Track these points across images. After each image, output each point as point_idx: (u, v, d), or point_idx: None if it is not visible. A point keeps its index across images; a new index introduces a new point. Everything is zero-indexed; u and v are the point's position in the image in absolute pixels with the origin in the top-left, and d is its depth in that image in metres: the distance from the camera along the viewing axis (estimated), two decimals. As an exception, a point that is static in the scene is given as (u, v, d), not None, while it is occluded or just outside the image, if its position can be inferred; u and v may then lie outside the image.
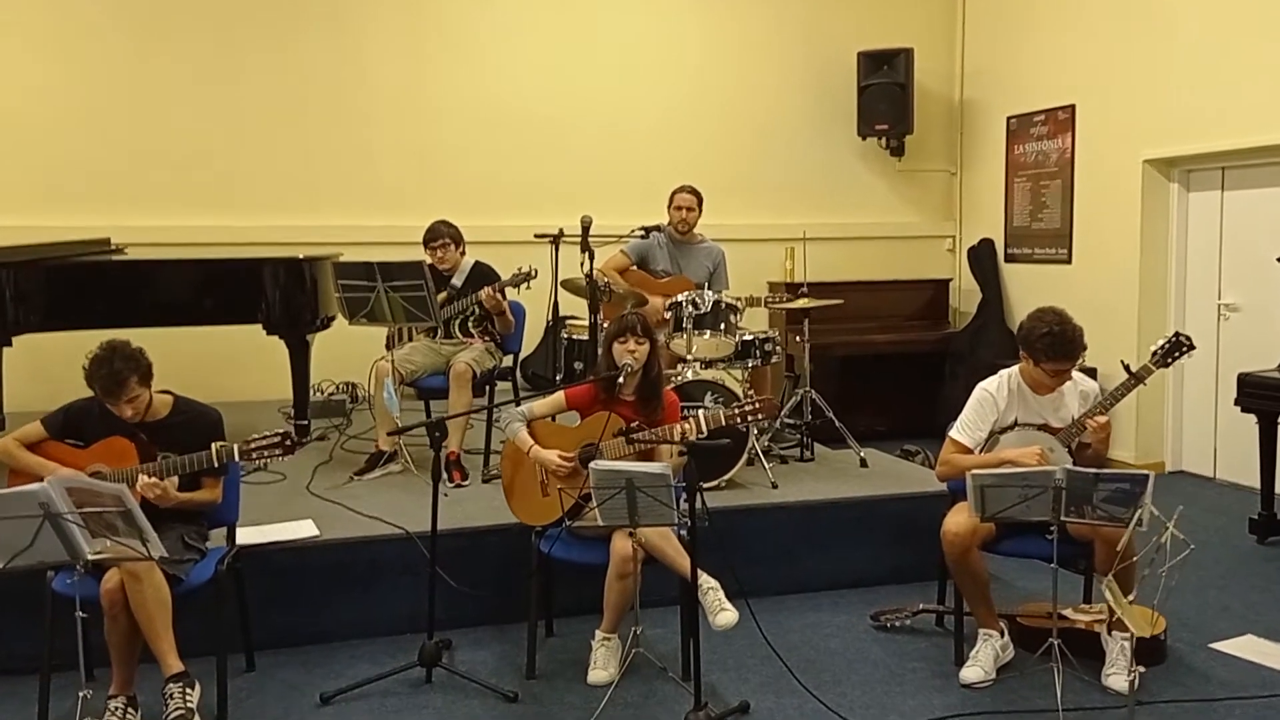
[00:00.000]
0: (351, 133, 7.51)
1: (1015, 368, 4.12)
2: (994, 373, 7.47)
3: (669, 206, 5.93)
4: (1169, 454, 7.09)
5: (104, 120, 7.09)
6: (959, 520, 3.87)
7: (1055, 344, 3.85)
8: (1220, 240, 6.75)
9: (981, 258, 8.23)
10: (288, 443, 3.63)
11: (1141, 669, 3.20)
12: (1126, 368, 3.94)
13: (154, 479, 3.62)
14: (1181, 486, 6.65)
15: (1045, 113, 7.72)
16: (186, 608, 3.79)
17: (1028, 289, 7.95)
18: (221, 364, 7.08)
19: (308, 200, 7.42)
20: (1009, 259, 8.16)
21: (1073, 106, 7.47)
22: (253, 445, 3.63)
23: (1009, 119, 8.09)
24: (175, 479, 3.71)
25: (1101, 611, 4.19)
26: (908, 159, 8.52)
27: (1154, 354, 3.96)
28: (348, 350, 6.48)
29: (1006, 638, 4.04)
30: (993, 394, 4.07)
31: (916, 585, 4.90)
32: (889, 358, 7.96)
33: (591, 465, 3.51)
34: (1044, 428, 4.03)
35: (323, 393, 7.15)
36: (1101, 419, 3.92)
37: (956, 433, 4.10)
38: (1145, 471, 3.45)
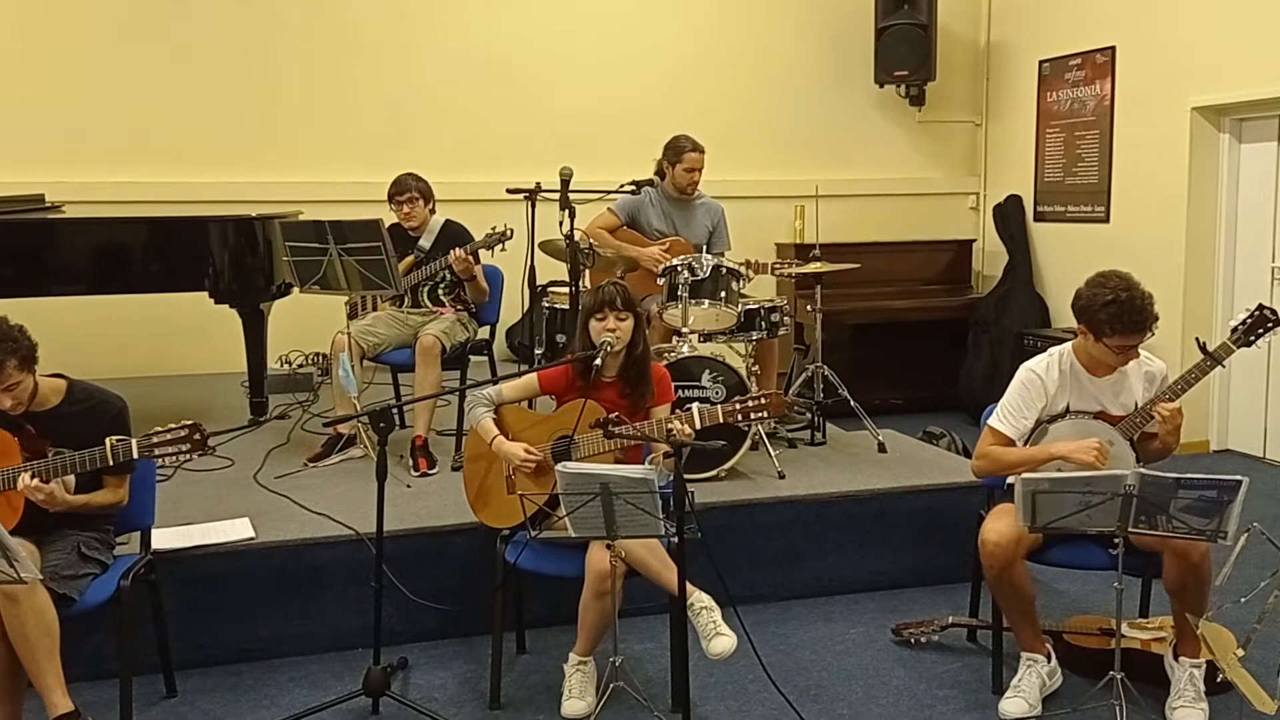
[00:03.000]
0: (316, 80, 6.86)
1: (1067, 345, 3.49)
2: (1020, 342, 7.02)
3: (672, 166, 5.24)
4: (1214, 432, 6.48)
5: (38, 65, 6.45)
6: (1000, 528, 3.26)
7: (1123, 314, 3.22)
8: (1276, 196, 6.10)
9: (1008, 216, 7.57)
10: (196, 437, 3.01)
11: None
12: (1202, 346, 3.31)
13: (37, 480, 3.01)
14: (1228, 468, 6.03)
15: (1082, 55, 7.03)
16: (95, 622, 3.24)
17: (1059, 251, 7.31)
18: (179, 333, 6.55)
19: (267, 155, 6.78)
20: (1039, 218, 7.49)
21: (1112, 49, 6.78)
22: (154, 440, 3.02)
23: (1041, 63, 7.39)
24: (70, 479, 3.12)
25: (1162, 628, 3.60)
26: (929, 109, 7.84)
27: (1234, 331, 3.33)
28: (319, 318, 5.88)
29: (1054, 662, 3.45)
30: (1040, 376, 3.44)
31: (941, 589, 4.34)
32: (905, 326, 7.35)
33: (558, 468, 2.90)
34: (1100, 415, 3.40)
35: (289, 364, 6.56)
36: (1172, 406, 3.30)
37: (997, 421, 3.48)
38: (1237, 477, 2.83)
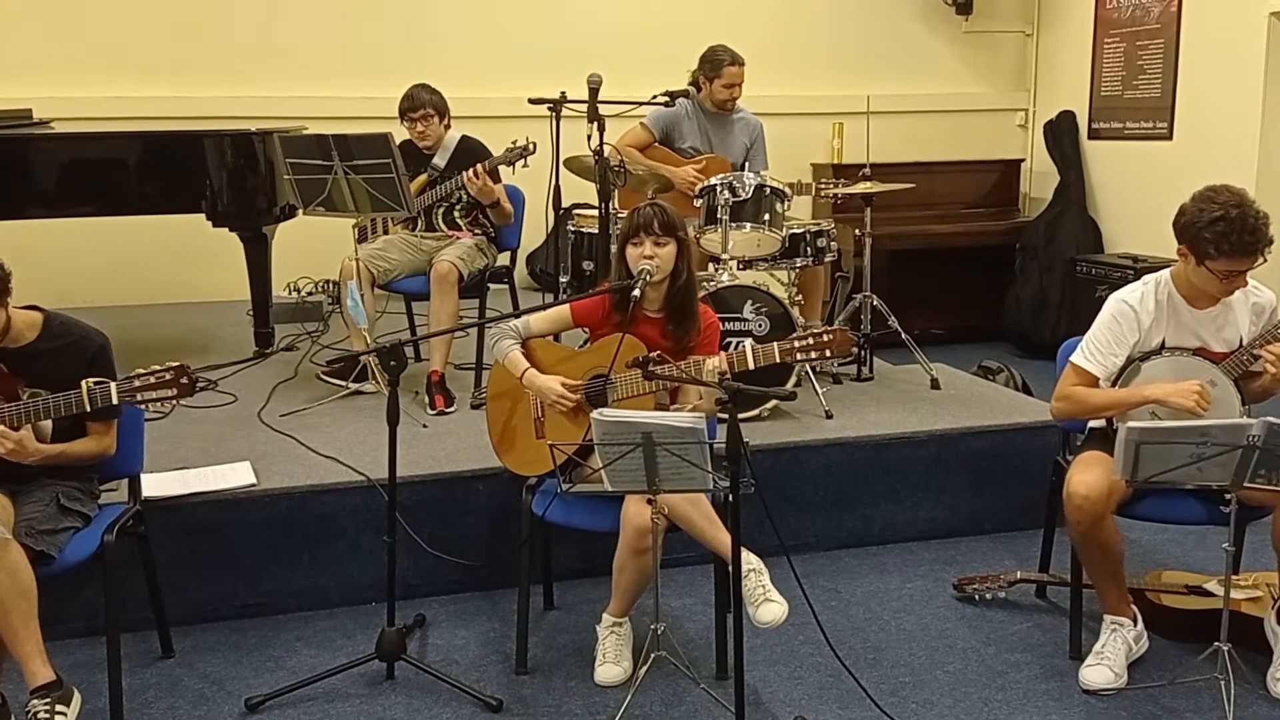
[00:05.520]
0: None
1: (1165, 272, 3.09)
2: (1071, 269, 6.59)
3: (710, 80, 4.77)
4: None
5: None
6: (1089, 480, 2.90)
7: (1231, 233, 2.82)
8: (1361, 111, 5.63)
9: (1060, 134, 7.07)
10: (183, 381, 2.67)
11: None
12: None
13: (2, 428, 2.67)
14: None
15: (1146, -44, 6.50)
16: (84, 576, 2.97)
17: (1116, 171, 6.82)
18: (183, 257, 6.21)
19: (269, 68, 6.34)
20: (1094, 135, 6.98)
21: (1181, -53, 6.26)
22: (137, 385, 2.67)
23: (1101, -35, 6.87)
24: (46, 424, 2.79)
25: (1257, 585, 3.25)
26: (976, 17, 7.30)
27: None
28: (330, 242, 5.45)
29: (1140, 625, 3.11)
30: (1134, 307, 3.05)
31: (1002, 538, 4.02)
32: (947, 251, 6.90)
33: (594, 416, 2.54)
34: (1200, 352, 3.02)
35: (298, 292, 6.20)
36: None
37: (1081, 358, 3.09)
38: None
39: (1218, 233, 2.84)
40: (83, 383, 2.68)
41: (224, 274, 5.93)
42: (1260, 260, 2.89)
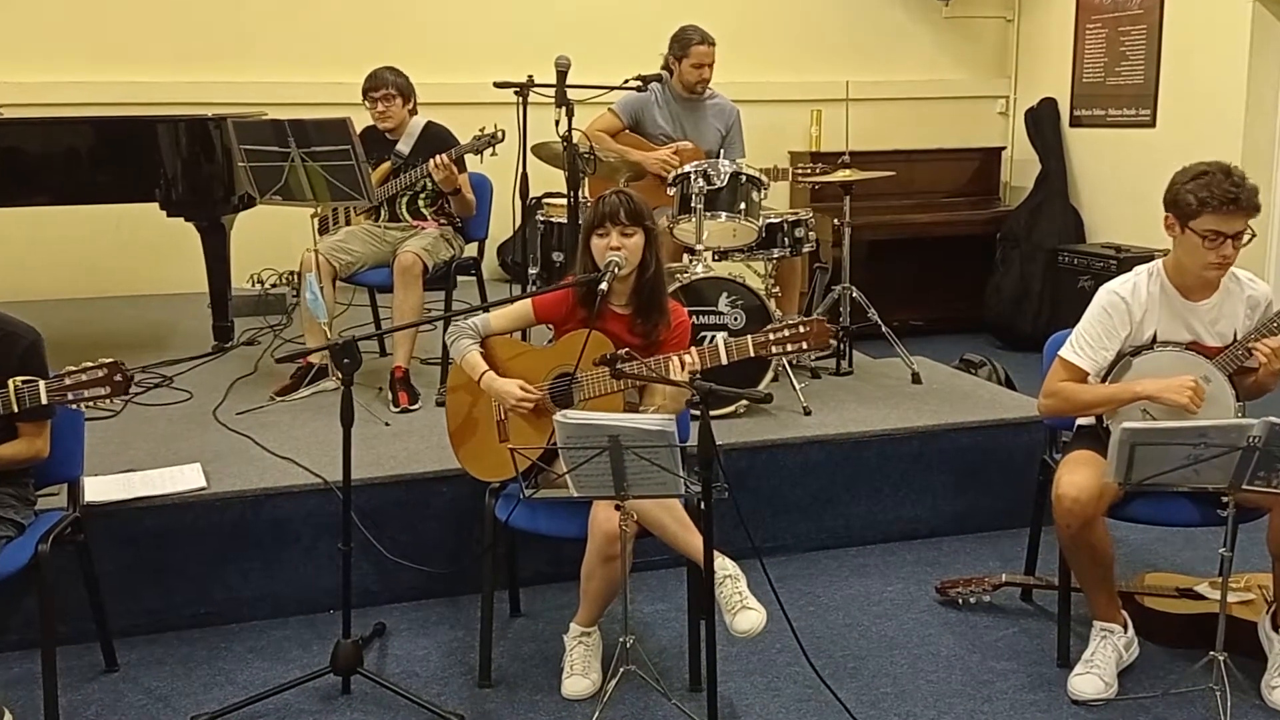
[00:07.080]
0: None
1: (1157, 262, 2.96)
2: (1053, 259, 6.49)
3: (678, 61, 4.62)
4: None
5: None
6: (1078, 481, 2.76)
7: (1214, 184, 2.69)
8: (1346, 98, 5.53)
9: (1042, 121, 6.95)
10: (117, 379, 2.49)
11: None
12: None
13: None
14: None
15: (1129, -60, 6.38)
16: (22, 586, 2.77)
17: (1098, 158, 6.71)
18: (140, 249, 6.02)
19: (229, 52, 6.16)
20: (1075, 123, 6.88)
21: (1164, -69, 6.14)
22: (67, 383, 2.50)
23: (1083, -51, 6.75)
24: (-31, 428, 2.61)
25: (1249, 588, 3.14)
26: (957, 3, 7.17)
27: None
28: (296, 232, 5.25)
29: (1130, 632, 2.99)
30: (1125, 299, 2.91)
31: (986, 538, 3.90)
32: (926, 241, 6.77)
33: (557, 418, 2.38)
34: (1193, 346, 2.89)
35: (261, 284, 6.01)
36: (1275, 343, 2.79)
37: (1070, 352, 2.96)
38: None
39: (1200, 184, 2.72)
40: (9, 382, 2.50)
41: (183, 265, 5.74)
42: (1247, 231, 2.74)
